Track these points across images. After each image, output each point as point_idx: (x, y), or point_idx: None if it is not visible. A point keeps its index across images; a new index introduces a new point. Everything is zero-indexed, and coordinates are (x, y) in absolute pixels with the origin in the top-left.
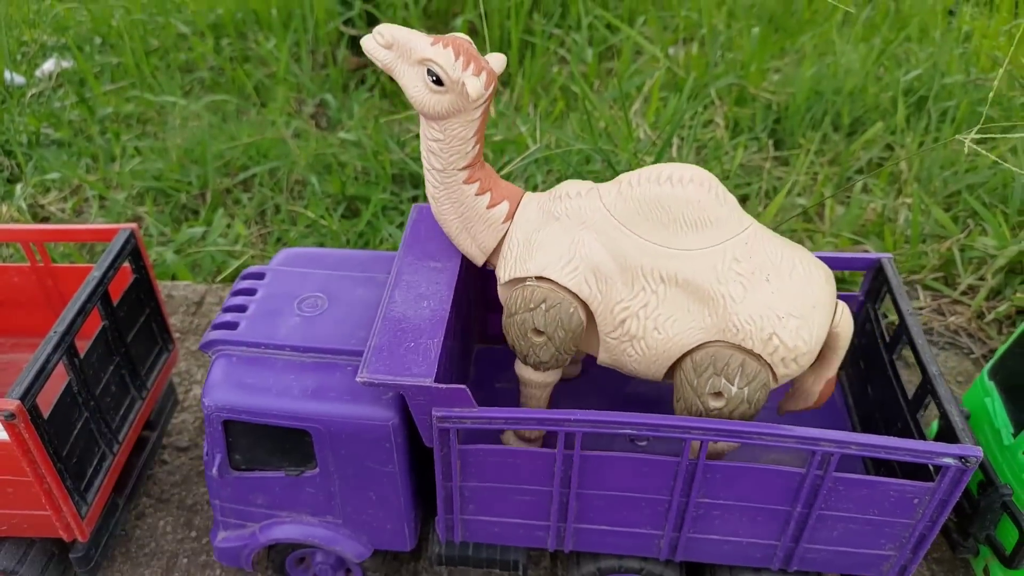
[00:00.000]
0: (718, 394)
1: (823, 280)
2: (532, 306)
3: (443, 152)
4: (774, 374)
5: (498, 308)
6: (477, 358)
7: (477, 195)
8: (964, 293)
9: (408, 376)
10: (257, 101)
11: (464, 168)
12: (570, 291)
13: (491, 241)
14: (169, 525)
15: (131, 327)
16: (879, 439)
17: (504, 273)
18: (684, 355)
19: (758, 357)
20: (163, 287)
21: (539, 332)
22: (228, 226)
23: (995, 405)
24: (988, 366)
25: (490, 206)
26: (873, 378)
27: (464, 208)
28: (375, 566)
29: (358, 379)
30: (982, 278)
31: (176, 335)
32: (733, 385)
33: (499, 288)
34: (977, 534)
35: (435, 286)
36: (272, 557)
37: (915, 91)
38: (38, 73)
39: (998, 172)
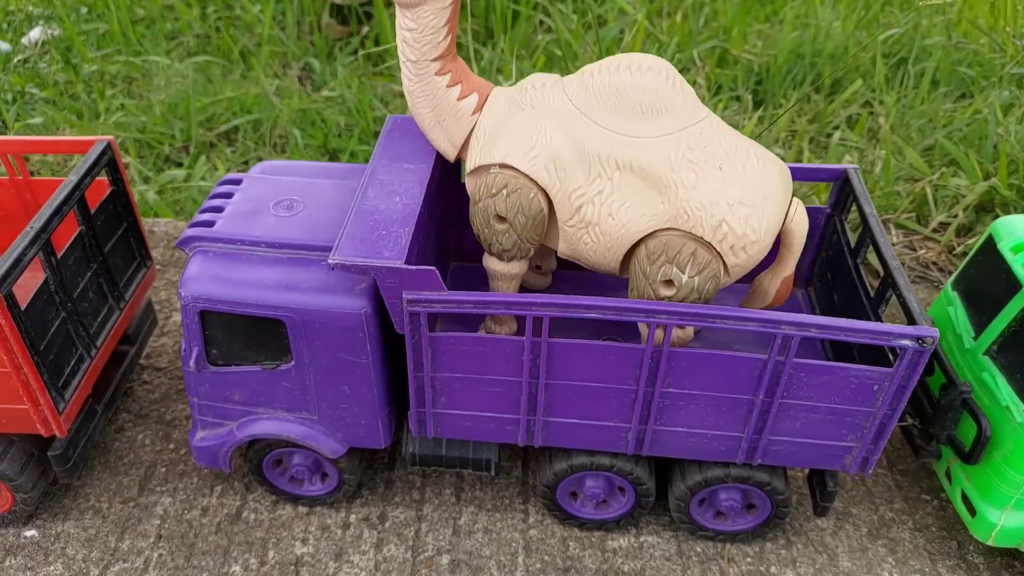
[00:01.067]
0: (669, 282)
1: (776, 174)
2: (494, 192)
3: (416, 42)
4: (725, 266)
5: None
6: (453, 275)
7: (449, 87)
8: (935, 231)
9: (379, 258)
10: (242, 64)
11: (436, 59)
12: (530, 178)
13: (461, 134)
14: (148, 438)
15: (108, 237)
16: (839, 321)
17: (471, 162)
18: (638, 243)
19: (709, 246)
20: (145, 223)
21: (501, 219)
22: (210, 170)
23: (957, 313)
24: (952, 279)
25: (460, 98)
26: (839, 286)
27: (436, 101)
28: (350, 470)
29: (329, 261)
30: (953, 216)
31: (157, 267)
32: (684, 273)
33: (466, 180)
34: (939, 434)
35: (408, 184)
36: (250, 458)
37: (895, 53)
38: (24, 40)
39: (974, 123)
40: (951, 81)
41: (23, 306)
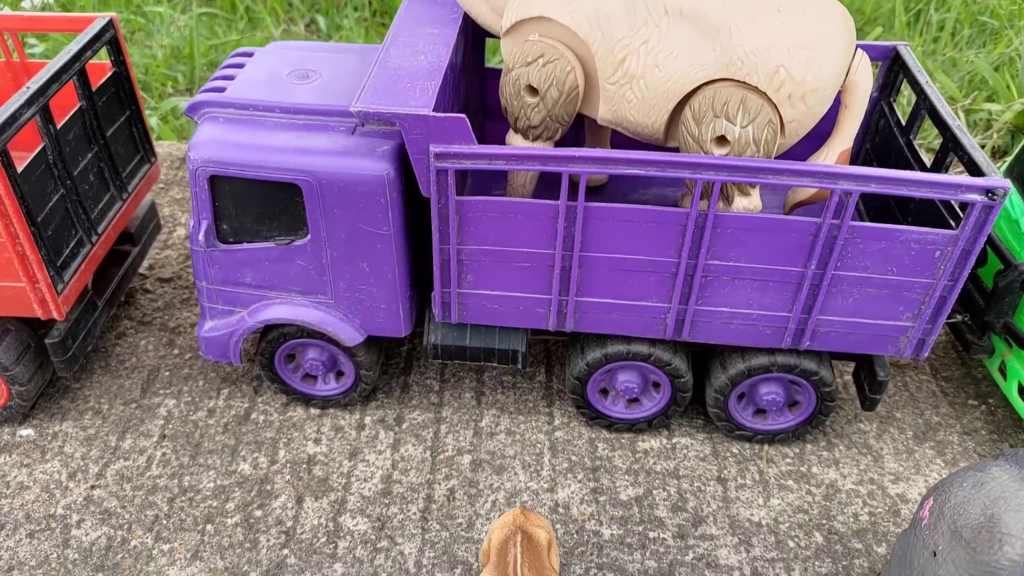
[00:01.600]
0: (722, 139)
1: (840, 17)
2: (529, 60)
3: None
4: (781, 122)
5: (496, 116)
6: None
7: None
8: None
9: (405, 106)
10: (246, 17)
11: None
12: (571, 30)
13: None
14: (151, 344)
15: (110, 122)
16: (901, 173)
17: (507, 19)
18: (683, 103)
19: (762, 94)
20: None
21: (533, 90)
22: None
23: (1012, 199)
24: (1005, 165)
25: None
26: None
27: None
28: (367, 365)
29: (352, 107)
30: (988, 138)
31: (160, 185)
32: (736, 125)
33: (502, 43)
34: (995, 323)
35: (432, 46)
36: (261, 350)
37: (913, 8)
38: (25, 4)
39: (1001, 60)
40: (972, 26)
41: (20, 169)
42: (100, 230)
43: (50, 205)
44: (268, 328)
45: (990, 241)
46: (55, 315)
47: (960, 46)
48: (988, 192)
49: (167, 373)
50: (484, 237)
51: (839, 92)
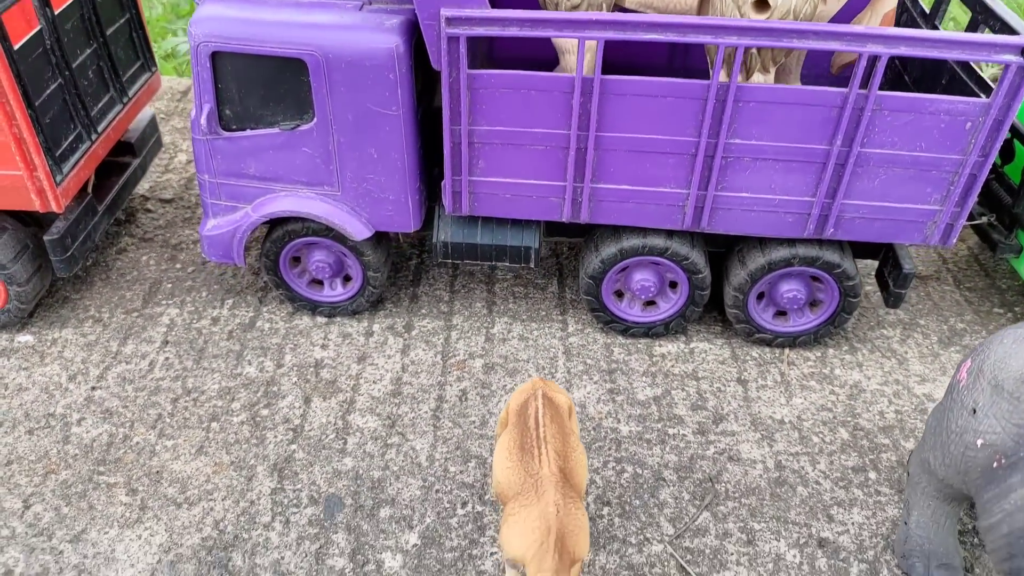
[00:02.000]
0: (763, 2)
1: None
2: None
3: None
4: None
5: None
6: None
7: None
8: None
9: None
10: None
11: None
12: None
13: None
14: (152, 259)
15: (110, 21)
16: (934, 33)
17: None
18: None
19: None
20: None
21: None
22: None
23: None
24: None
25: None
26: (914, 67)
27: None
28: (375, 265)
29: None
30: None
31: (161, 116)
32: None
33: None
34: (1023, 215)
35: None
36: (266, 251)
37: None
38: None
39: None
40: None
41: (16, 46)
42: (100, 128)
43: (48, 92)
44: (273, 227)
45: (1018, 134)
46: (54, 207)
47: None
48: None
49: (169, 285)
50: (497, 116)
51: None
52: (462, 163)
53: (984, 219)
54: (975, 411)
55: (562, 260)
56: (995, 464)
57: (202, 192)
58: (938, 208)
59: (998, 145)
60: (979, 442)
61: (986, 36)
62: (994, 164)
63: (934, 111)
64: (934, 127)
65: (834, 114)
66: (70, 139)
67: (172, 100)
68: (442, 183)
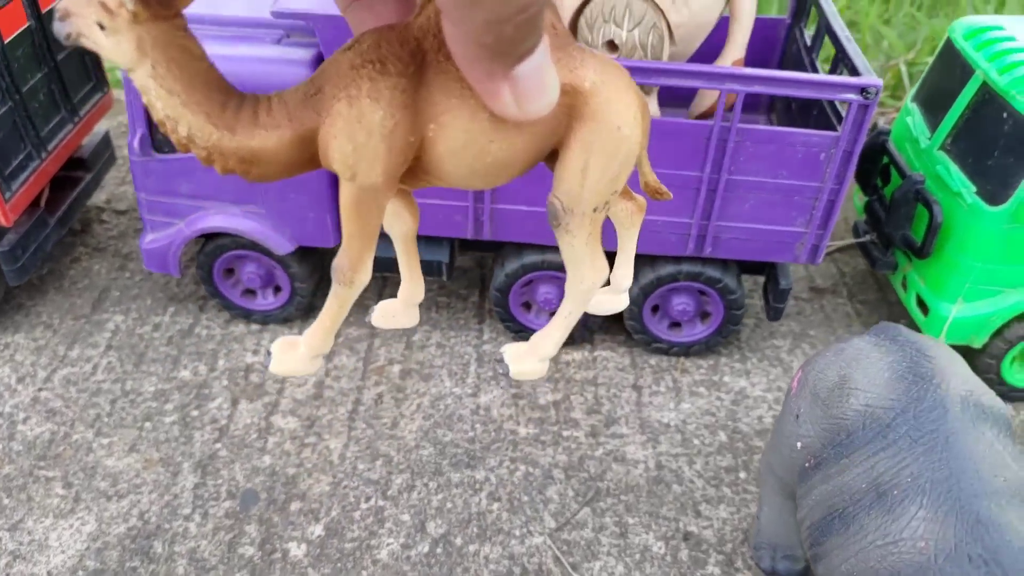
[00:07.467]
0: (611, 43)
1: None
2: None
3: None
4: (669, 27)
5: None
6: None
7: None
8: None
9: (320, 8)
10: None
11: None
12: None
13: None
14: (104, 268)
15: (61, 46)
16: (784, 74)
17: None
18: (578, 14)
19: (651, 2)
20: (115, 94)
21: None
22: None
23: (915, 120)
24: (910, 93)
25: None
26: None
27: None
28: (302, 277)
29: (271, 9)
30: None
31: (122, 131)
32: (623, 29)
33: None
34: (894, 235)
35: None
36: (201, 263)
37: None
38: None
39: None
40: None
41: None
42: (50, 147)
43: None
44: (207, 240)
45: (893, 160)
46: (2, 221)
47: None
48: (863, 91)
49: (117, 293)
50: None
51: (727, 3)
52: None
53: (868, 238)
54: (798, 417)
55: (485, 272)
56: (807, 464)
57: (140, 208)
58: (803, 230)
59: (851, 173)
60: (799, 444)
61: (830, 77)
62: (876, 186)
63: (792, 143)
64: (793, 157)
65: (703, 144)
66: (20, 158)
67: None
68: None
